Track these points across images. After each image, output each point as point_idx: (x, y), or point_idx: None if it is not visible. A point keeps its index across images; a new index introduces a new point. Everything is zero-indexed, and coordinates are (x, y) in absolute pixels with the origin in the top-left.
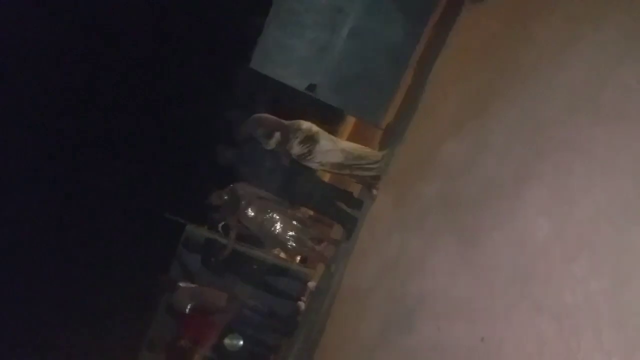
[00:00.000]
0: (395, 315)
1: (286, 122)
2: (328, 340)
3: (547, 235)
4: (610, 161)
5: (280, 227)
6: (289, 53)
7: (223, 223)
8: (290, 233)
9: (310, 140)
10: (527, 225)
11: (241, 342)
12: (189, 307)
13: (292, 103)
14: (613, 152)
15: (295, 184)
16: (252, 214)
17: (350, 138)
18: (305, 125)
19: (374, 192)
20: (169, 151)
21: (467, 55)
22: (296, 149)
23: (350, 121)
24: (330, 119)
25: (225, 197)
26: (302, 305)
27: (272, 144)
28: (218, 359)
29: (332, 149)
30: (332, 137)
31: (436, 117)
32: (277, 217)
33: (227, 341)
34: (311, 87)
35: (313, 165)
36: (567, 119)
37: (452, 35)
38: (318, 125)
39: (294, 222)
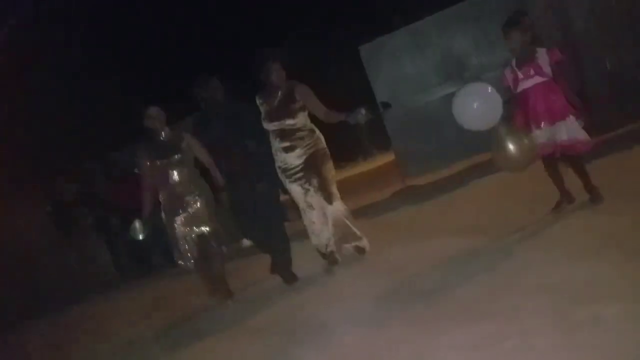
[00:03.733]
0: None
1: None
2: None
3: None
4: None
5: (183, 220)
6: (397, 65)
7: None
8: (189, 234)
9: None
10: None
11: (140, 237)
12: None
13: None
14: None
15: (247, 186)
16: (176, 178)
17: (373, 171)
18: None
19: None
20: None
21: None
22: (295, 155)
23: (383, 158)
24: (373, 143)
25: (164, 136)
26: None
27: (291, 123)
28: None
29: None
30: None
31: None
32: (196, 202)
33: (136, 224)
34: (385, 104)
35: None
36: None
37: None
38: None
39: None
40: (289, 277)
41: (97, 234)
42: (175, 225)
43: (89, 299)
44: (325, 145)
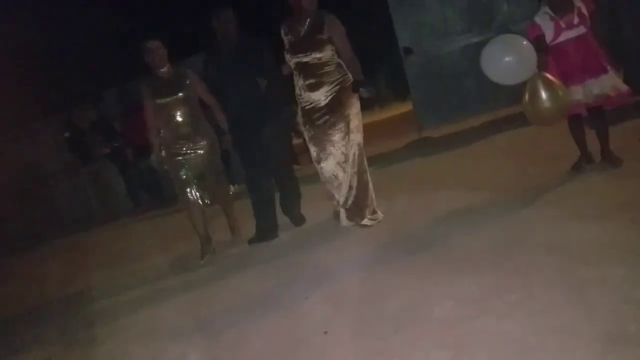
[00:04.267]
0: None
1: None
2: None
3: None
4: None
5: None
6: (422, 9)
7: None
8: (190, 176)
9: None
10: None
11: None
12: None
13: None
14: None
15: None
16: (178, 118)
17: (389, 120)
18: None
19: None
20: None
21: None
22: (322, 93)
23: (401, 108)
24: (390, 91)
25: (166, 74)
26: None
27: (317, 56)
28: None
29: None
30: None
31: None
32: (199, 144)
33: (153, 157)
34: (407, 50)
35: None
36: None
37: None
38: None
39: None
40: (297, 219)
41: (112, 162)
42: (177, 166)
43: (103, 225)
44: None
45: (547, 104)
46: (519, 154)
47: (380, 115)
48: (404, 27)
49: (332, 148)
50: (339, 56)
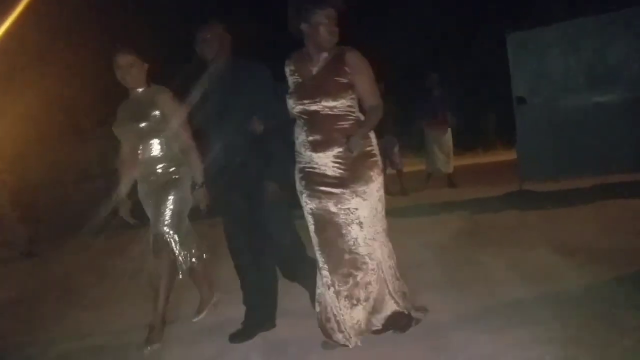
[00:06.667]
0: None
1: None
2: None
3: None
4: None
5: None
6: (542, 61)
7: None
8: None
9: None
10: None
11: None
12: None
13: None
14: None
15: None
16: (147, 153)
17: (491, 165)
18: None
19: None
20: None
21: None
22: (328, 157)
23: (505, 154)
24: (497, 136)
25: (138, 97)
26: None
27: (329, 105)
28: None
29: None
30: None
31: None
32: (169, 188)
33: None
34: (521, 100)
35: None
36: None
37: None
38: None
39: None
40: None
41: None
42: (149, 209)
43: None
44: (373, 147)
45: None
46: (627, 225)
47: (483, 158)
48: (521, 75)
49: (337, 238)
50: (361, 106)
